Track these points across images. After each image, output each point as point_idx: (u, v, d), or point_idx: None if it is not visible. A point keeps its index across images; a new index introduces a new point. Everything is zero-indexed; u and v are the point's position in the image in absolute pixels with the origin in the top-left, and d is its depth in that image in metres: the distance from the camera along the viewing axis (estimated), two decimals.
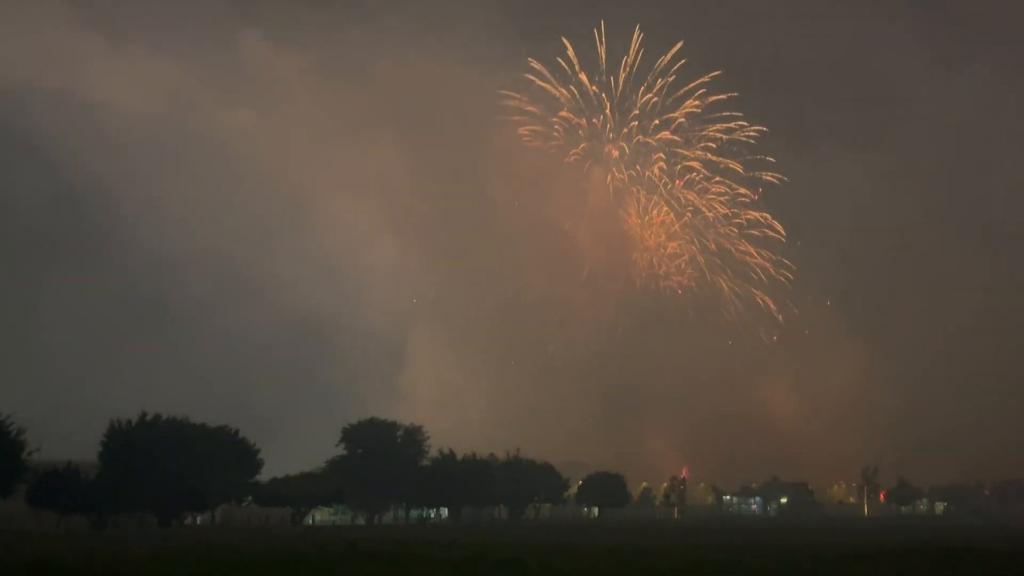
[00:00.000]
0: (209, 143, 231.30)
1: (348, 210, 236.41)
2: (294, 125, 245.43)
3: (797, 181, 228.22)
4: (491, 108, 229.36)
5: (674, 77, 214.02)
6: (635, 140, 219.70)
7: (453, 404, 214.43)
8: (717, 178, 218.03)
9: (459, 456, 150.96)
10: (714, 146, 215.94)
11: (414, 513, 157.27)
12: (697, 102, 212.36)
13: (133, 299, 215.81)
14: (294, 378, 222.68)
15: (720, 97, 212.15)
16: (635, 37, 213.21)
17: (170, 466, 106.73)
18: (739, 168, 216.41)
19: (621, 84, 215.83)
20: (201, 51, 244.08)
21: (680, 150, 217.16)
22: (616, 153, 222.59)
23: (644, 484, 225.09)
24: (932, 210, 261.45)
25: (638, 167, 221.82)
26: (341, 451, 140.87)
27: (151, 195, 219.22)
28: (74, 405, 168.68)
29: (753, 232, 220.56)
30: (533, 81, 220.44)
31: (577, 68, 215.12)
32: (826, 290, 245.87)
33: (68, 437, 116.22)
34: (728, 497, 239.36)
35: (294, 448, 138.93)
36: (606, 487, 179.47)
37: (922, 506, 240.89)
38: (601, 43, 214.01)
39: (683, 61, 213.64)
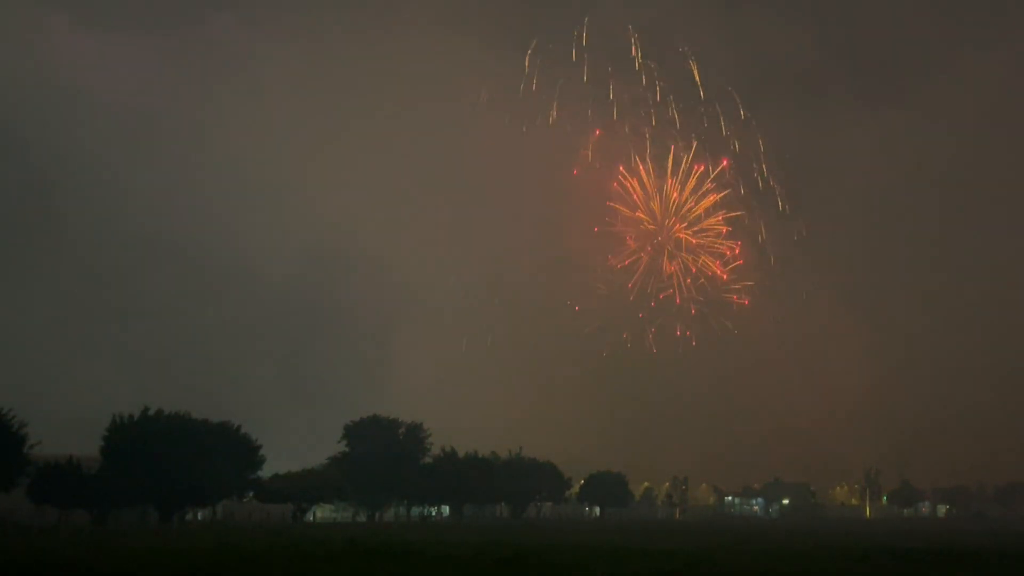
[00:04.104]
0: (185, 127, 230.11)
1: (331, 195, 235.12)
2: (271, 107, 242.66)
3: (803, 157, 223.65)
4: (480, 92, 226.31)
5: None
6: (630, 121, 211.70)
7: (454, 402, 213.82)
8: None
9: (461, 454, 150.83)
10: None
11: (415, 511, 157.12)
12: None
13: (113, 288, 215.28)
14: (283, 370, 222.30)
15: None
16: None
17: (171, 461, 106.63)
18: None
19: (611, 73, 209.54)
20: (173, 32, 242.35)
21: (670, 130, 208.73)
22: (599, 132, 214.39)
23: (646, 484, 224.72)
24: (940, 194, 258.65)
25: (633, 150, 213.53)
26: (343, 448, 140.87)
27: (128, 182, 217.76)
28: (60, 398, 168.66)
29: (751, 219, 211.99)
30: (524, 65, 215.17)
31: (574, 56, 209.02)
32: (830, 284, 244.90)
33: (64, 430, 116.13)
34: (730, 498, 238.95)
35: (275, 439, 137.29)
36: (608, 486, 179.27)
37: (924, 509, 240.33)
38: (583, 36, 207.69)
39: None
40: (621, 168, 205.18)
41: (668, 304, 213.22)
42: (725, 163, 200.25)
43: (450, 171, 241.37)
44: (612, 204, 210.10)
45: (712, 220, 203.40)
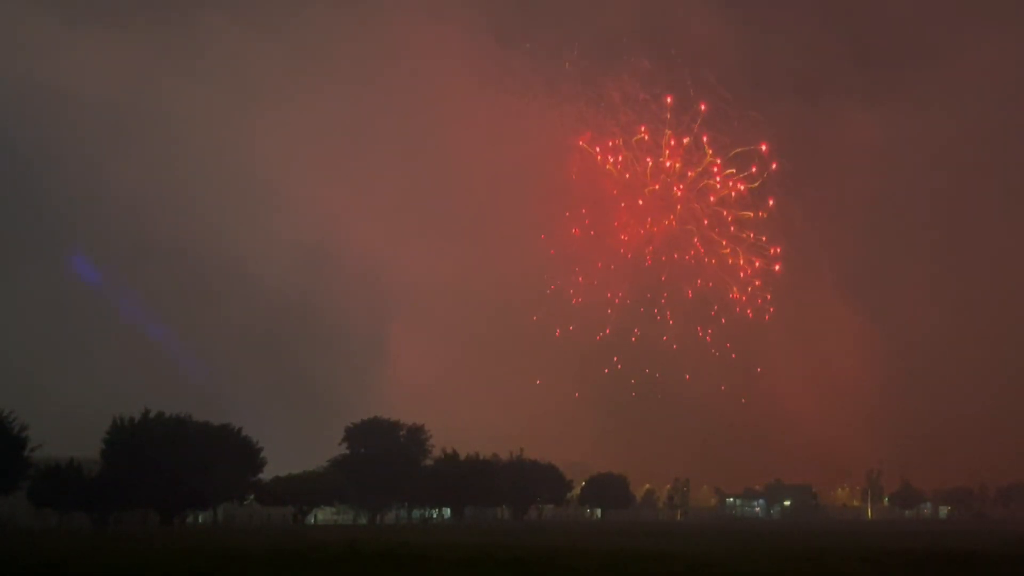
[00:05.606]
0: (174, 128, 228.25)
1: (322, 194, 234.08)
2: (262, 108, 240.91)
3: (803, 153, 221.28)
4: (475, 86, 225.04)
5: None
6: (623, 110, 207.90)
7: (455, 404, 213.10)
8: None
9: (462, 456, 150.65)
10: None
11: (416, 513, 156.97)
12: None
13: (113, 288, 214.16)
14: (284, 372, 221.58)
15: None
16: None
17: (172, 464, 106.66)
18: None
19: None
20: (162, 33, 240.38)
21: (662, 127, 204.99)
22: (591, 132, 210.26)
23: (647, 486, 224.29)
24: (943, 192, 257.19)
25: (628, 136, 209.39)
26: (344, 450, 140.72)
27: (119, 181, 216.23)
28: (60, 400, 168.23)
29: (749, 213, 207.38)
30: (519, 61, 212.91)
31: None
32: (831, 285, 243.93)
33: (64, 433, 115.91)
34: (731, 499, 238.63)
35: (276, 441, 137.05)
36: (609, 488, 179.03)
37: (926, 510, 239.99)
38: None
39: None
40: (615, 162, 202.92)
41: (673, 309, 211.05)
42: (764, 147, 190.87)
43: (443, 170, 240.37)
44: (607, 205, 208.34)
45: (733, 217, 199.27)
